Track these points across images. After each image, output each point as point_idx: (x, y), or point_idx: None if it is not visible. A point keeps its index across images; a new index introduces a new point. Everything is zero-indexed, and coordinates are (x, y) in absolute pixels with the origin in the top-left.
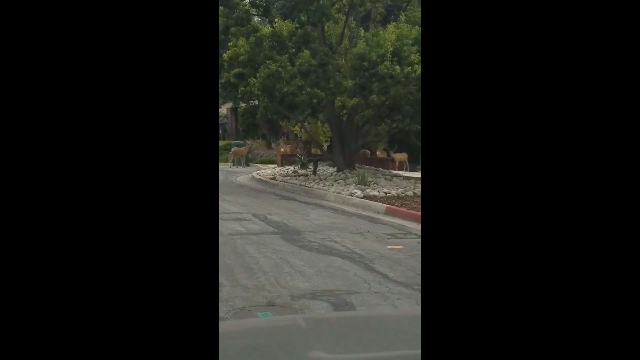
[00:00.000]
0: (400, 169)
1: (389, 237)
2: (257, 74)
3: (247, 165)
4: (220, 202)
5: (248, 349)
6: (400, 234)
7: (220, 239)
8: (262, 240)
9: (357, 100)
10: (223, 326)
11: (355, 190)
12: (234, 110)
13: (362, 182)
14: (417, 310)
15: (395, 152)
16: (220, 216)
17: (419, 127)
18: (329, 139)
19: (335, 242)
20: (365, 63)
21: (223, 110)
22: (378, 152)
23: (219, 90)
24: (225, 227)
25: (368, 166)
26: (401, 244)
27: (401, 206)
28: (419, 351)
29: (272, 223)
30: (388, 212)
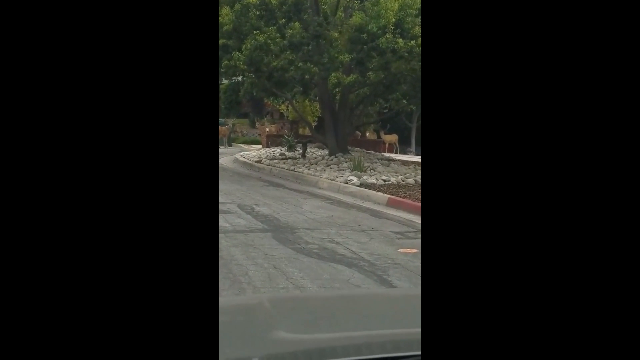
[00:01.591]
0: (391, 151)
1: (398, 236)
2: (243, 47)
3: (230, 145)
4: None
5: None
6: (410, 232)
7: None
8: (250, 240)
9: (354, 76)
10: None
11: (351, 177)
12: None
13: (358, 168)
14: (383, 289)
15: (385, 134)
16: None
17: (413, 108)
18: (316, 119)
19: (337, 243)
20: (364, 35)
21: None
22: (368, 134)
23: None
24: None
25: (359, 149)
26: (415, 247)
27: (404, 197)
28: (383, 331)
29: (260, 217)
30: (391, 204)
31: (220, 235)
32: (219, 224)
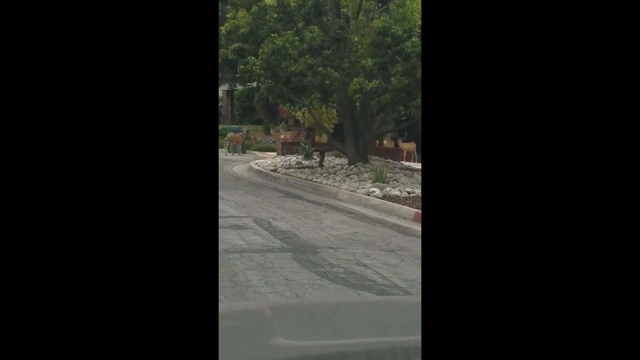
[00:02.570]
0: (408, 159)
1: None
2: (260, 50)
3: (244, 152)
4: None
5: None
6: None
7: None
8: (268, 261)
9: (377, 82)
10: None
11: (373, 189)
12: (229, 92)
13: (381, 179)
14: (386, 298)
15: (403, 142)
16: None
17: None
18: (333, 127)
19: (365, 266)
20: (388, 39)
21: (219, 93)
22: (385, 142)
23: None
24: (220, 239)
25: (377, 157)
26: None
27: None
28: (385, 338)
29: (278, 233)
30: (418, 219)
31: (235, 255)
32: (233, 242)
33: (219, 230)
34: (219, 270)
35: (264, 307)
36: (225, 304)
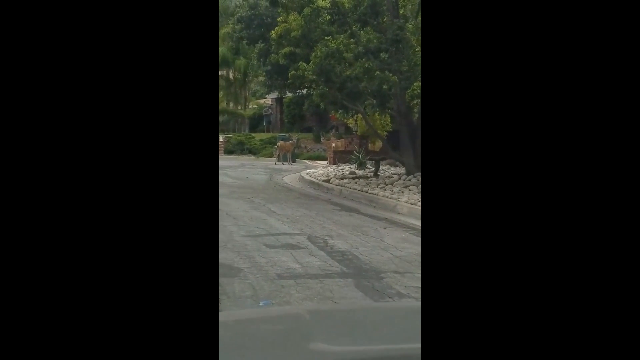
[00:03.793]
0: None
1: None
2: (312, 54)
3: (294, 161)
4: (265, 214)
5: (248, 338)
6: None
7: (267, 286)
8: (327, 289)
9: None
10: (223, 316)
11: None
12: (279, 100)
13: None
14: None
15: None
16: (265, 239)
17: None
18: (387, 134)
19: None
20: None
21: (267, 100)
22: None
23: (264, 79)
24: (273, 261)
25: None
26: None
27: None
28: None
29: (336, 254)
30: None
31: (289, 282)
32: (287, 265)
33: (271, 251)
34: (274, 301)
35: (300, 311)
36: (266, 309)
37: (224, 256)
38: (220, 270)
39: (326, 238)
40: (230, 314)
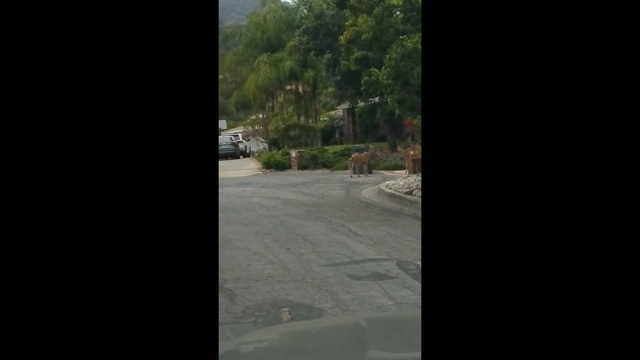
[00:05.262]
0: None
1: None
2: (387, 56)
3: (370, 173)
4: (345, 237)
5: (307, 349)
6: None
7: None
8: None
9: None
10: (283, 328)
11: None
12: (351, 110)
13: None
14: None
15: None
16: (348, 268)
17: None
18: None
19: None
20: None
21: (339, 111)
22: None
23: (333, 89)
24: (360, 296)
25: None
26: None
27: None
28: None
29: None
30: None
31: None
32: (377, 300)
33: (355, 282)
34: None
35: (358, 319)
36: (321, 319)
37: (302, 294)
38: (299, 313)
39: (418, 263)
40: (289, 325)
